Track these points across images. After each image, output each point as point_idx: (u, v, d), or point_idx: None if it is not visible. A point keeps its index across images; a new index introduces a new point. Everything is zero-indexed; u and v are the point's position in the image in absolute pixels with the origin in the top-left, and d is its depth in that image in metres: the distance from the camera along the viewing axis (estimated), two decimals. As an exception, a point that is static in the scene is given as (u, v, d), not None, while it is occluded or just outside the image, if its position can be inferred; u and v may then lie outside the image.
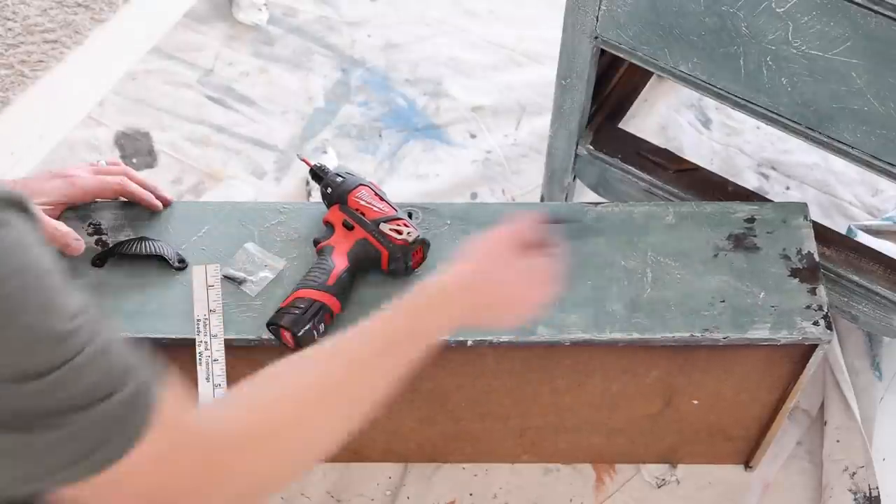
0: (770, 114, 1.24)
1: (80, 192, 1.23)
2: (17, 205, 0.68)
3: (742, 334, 1.16)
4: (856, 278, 1.37)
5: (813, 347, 1.18)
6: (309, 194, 1.69)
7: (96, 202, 1.26)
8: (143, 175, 1.30)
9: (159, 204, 1.26)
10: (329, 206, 1.23)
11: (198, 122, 1.80)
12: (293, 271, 1.21)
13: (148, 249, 1.21)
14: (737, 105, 1.26)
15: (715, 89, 1.26)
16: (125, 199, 1.26)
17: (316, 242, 1.21)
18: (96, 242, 1.23)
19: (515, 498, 1.42)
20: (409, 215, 1.22)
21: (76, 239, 1.19)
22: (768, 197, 1.58)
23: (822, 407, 1.48)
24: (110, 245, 1.22)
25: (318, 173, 1.25)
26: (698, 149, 1.75)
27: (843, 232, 1.50)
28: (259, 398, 0.81)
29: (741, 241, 1.24)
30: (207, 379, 1.12)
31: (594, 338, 1.17)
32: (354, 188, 1.21)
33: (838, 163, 1.71)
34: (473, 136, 1.80)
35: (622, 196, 1.51)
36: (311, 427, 0.82)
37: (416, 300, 0.94)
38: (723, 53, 1.21)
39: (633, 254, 1.23)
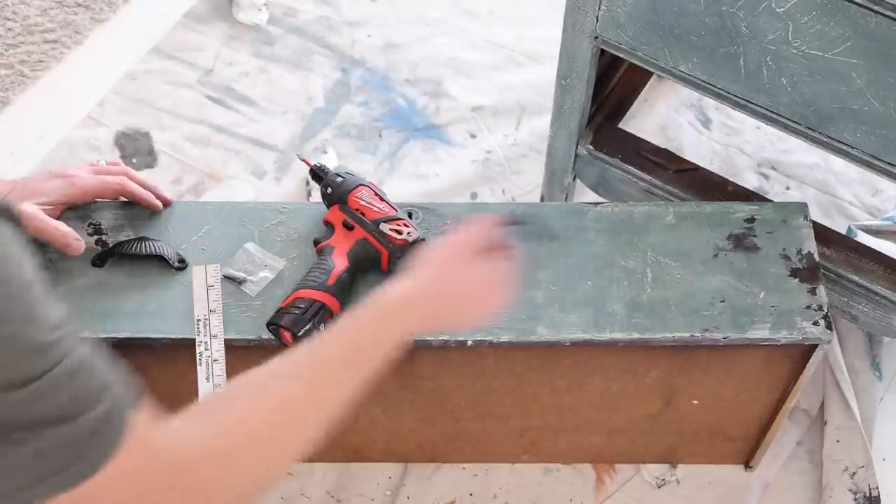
0: (770, 114, 1.24)
1: (80, 192, 1.23)
2: (2, 213, 0.68)
3: (742, 334, 1.16)
4: (856, 278, 1.37)
5: (813, 347, 1.18)
6: (309, 194, 1.69)
7: (96, 202, 1.26)
8: (143, 175, 1.30)
9: (159, 204, 1.26)
10: (329, 206, 1.23)
11: (198, 122, 1.80)
12: (293, 271, 1.21)
13: (148, 249, 1.21)
14: (737, 105, 1.26)
15: (715, 89, 1.26)
16: (125, 199, 1.26)
17: (316, 242, 1.21)
18: (96, 242, 1.23)
19: (515, 498, 1.42)
20: (409, 215, 1.22)
21: (76, 239, 1.19)
22: (768, 197, 1.58)
23: (822, 407, 1.48)
24: (110, 245, 1.22)
25: (318, 173, 1.25)
26: (698, 149, 1.75)
27: (843, 232, 1.50)
28: (224, 414, 0.82)
29: (741, 241, 1.24)
30: (207, 379, 1.12)
31: (594, 338, 1.17)
32: (354, 188, 1.21)
33: (838, 163, 1.71)
34: (473, 136, 1.80)
35: (622, 196, 1.51)
36: (274, 442, 0.83)
37: (374, 310, 0.95)
38: (723, 53, 1.21)
39: (633, 254, 1.23)
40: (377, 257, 1.18)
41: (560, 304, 1.18)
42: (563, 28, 1.32)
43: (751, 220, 1.26)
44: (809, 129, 1.22)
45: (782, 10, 1.12)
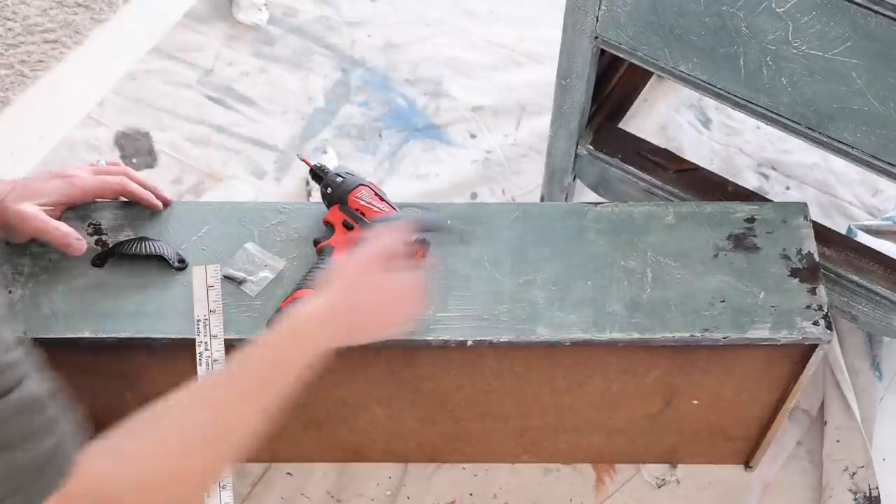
0: (770, 114, 1.24)
1: (80, 192, 1.23)
2: None
3: (742, 334, 1.16)
4: (856, 278, 1.37)
5: (813, 347, 1.18)
6: (309, 194, 1.69)
7: (96, 202, 1.26)
8: (143, 175, 1.30)
9: (159, 204, 1.26)
10: (329, 206, 1.23)
11: (198, 122, 1.80)
12: (293, 271, 1.21)
13: (148, 249, 1.21)
14: (737, 105, 1.26)
15: (715, 89, 1.26)
16: (125, 199, 1.26)
17: (316, 242, 1.21)
18: (96, 242, 1.23)
19: (515, 498, 1.42)
20: (409, 215, 1.22)
21: (78, 239, 1.19)
22: (768, 197, 1.58)
23: (822, 407, 1.48)
24: (110, 245, 1.22)
25: (318, 173, 1.25)
26: (698, 149, 1.75)
27: (843, 232, 1.50)
28: (145, 448, 0.85)
29: (741, 241, 1.24)
30: (207, 379, 1.12)
31: (594, 338, 1.17)
32: (354, 188, 1.21)
33: (838, 163, 1.71)
34: (473, 136, 1.80)
35: (622, 196, 1.51)
36: (193, 471, 0.87)
37: (286, 330, 0.97)
38: (723, 53, 1.21)
39: (633, 254, 1.23)
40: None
41: (560, 304, 1.18)
42: (563, 28, 1.32)
43: (751, 220, 1.26)
44: (809, 129, 1.22)
45: (782, 10, 1.12)
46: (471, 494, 1.42)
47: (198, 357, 1.14)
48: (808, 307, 1.18)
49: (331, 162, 1.72)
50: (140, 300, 1.18)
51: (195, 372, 1.13)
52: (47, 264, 1.20)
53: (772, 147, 1.76)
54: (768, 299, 1.19)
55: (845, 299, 1.40)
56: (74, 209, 1.24)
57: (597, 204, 1.28)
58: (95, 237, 1.23)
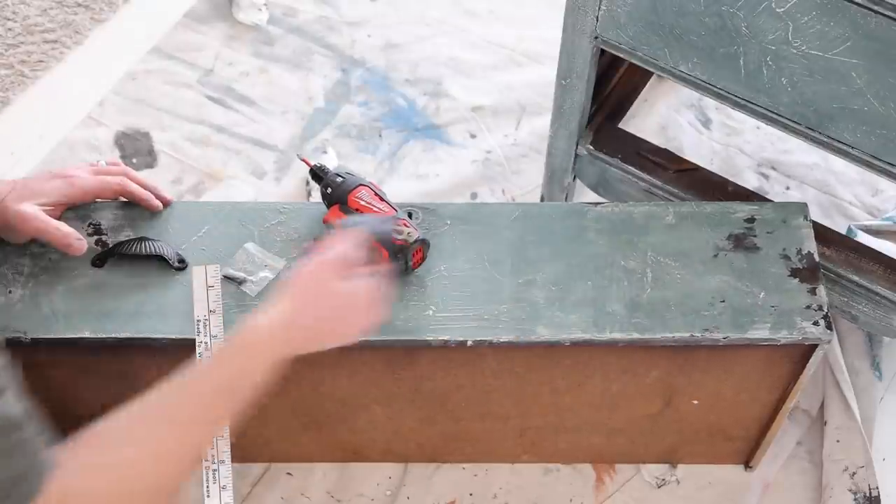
0: (770, 114, 1.24)
1: (79, 193, 1.23)
2: None
3: (742, 334, 1.16)
4: (856, 278, 1.37)
5: (813, 347, 1.18)
6: (309, 194, 1.69)
7: (96, 202, 1.26)
8: (143, 175, 1.30)
9: (159, 204, 1.26)
10: (329, 206, 1.23)
11: (198, 122, 1.80)
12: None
13: (148, 249, 1.21)
14: (737, 105, 1.26)
15: (715, 89, 1.26)
16: (125, 200, 1.26)
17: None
18: (96, 242, 1.23)
19: (515, 498, 1.42)
20: (409, 215, 1.22)
21: (78, 239, 1.19)
22: (768, 197, 1.58)
23: (822, 407, 1.48)
24: (110, 245, 1.22)
25: (318, 173, 1.25)
26: (698, 149, 1.75)
27: (843, 232, 1.50)
28: (107, 467, 0.88)
29: (741, 241, 1.24)
30: (207, 379, 1.12)
31: (594, 338, 1.17)
32: (354, 188, 1.21)
33: (838, 163, 1.71)
34: (473, 136, 1.80)
35: (622, 196, 1.51)
36: (154, 489, 0.90)
37: (242, 341, 0.99)
38: (723, 53, 1.21)
39: (633, 254, 1.23)
40: (377, 257, 1.18)
41: (560, 304, 1.18)
42: (563, 28, 1.32)
43: (751, 220, 1.26)
44: (809, 129, 1.22)
45: (782, 10, 1.12)
46: (471, 494, 1.42)
47: (198, 357, 1.14)
48: (808, 307, 1.18)
49: (331, 162, 1.72)
50: (140, 300, 1.18)
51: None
52: (47, 264, 1.20)
53: (772, 147, 1.76)
54: (768, 299, 1.19)
55: (845, 299, 1.40)
56: (74, 209, 1.24)
57: (597, 204, 1.28)
58: (95, 237, 1.23)
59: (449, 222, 1.25)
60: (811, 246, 1.23)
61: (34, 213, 1.17)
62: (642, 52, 1.27)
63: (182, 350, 1.14)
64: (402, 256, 1.17)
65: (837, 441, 1.42)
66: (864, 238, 1.48)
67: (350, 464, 1.43)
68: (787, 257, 1.22)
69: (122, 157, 1.75)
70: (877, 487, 1.39)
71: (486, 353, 1.20)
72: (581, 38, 1.31)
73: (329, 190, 1.22)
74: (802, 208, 1.27)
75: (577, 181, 1.57)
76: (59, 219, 1.21)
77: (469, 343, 1.16)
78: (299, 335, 1.02)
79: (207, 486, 1.10)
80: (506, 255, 1.23)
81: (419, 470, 1.43)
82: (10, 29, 1.88)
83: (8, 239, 1.21)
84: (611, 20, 1.26)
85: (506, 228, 1.25)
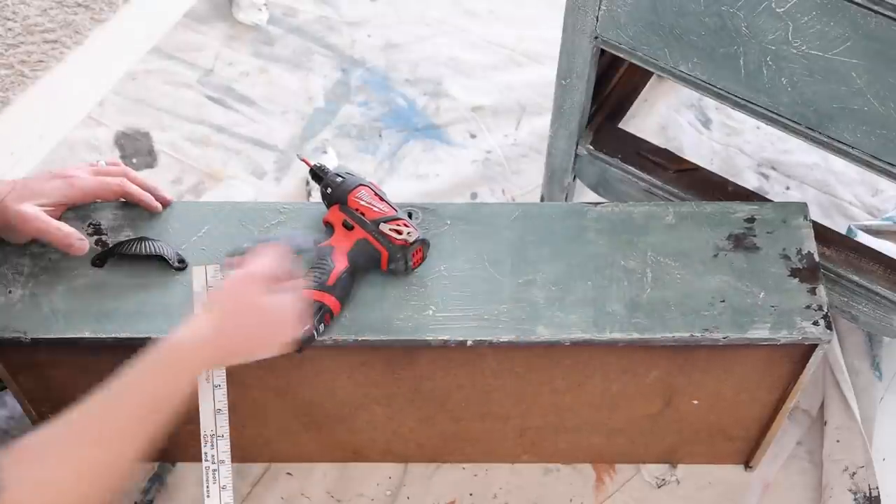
0: (770, 114, 1.24)
1: (79, 193, 1.23)
2: None
3: (742, 334, 1.16)
4: (856, 278, 1.37)
5: (813, 347, 1.18)
6: (309, 194, 1.69)
7: (96, 202, 1.26)
8: (143, 175, 1.30)
9: (158, 206, 1.26)
10: (329, 206, 1.23)
11: (198, 122, 1.80)
12: (293, 271, 1.21)
13: (148, 249, 1.21)
14: (737, 105, 1.26)
15: (715, 89, 1.26)
16: (125, 200, 1.26)
17: (316, 242, 1.21)
18: (96, 242, 1.23)
19: (515, 498, 1.42)
20: (409, 215, 1.22)
21: (80, 239, 1.19)
22: (768, 197, 1.58)
23: (822, 407, 1.48)
24: (110, 245, 1.22)
25: (318, 173, 1.25)
26: (698, 149, 1.75)
27: (843, 232, 1.50)
28: (38, 480, 0.90)
29: (741, 241, 1.24)
30: (207, 380, 1.12)
31: (594, 338, 1.17)
32: (354, 188, 1.21)
33: (838, 163, 1.71)
34: (473, 136, 1.80)
35: (622, 196, 1.51)
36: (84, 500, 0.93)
37: (166, 356, 1.01)
38: (723, 53, 1.21)
39: (633, 254, 1.23)
40: (377, 257, 1.18)
41: (560, 304, 1.18)
42: (563, 28, 1.32)
43: (751, 220, 1.26)
44: (809, 129, 1.22)
45: (782, 10, 1.12)
46: (471, 494, 1.42)
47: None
48: (808, 307, 1.18)
49: (331, 162, 1.73)
50: (140, 300, 1.18)
51: (195, 372, 1.14)
52: (47, 264, 1.20)
53: (772, 147, 1.76)
54: (768, 299, 1.19)
55: (845, 299, 1.40)
56: (74, 209, 1.24)
57: (597, 204, 1.28)
58: (95, 237, 1.23)
59: (449, 222, 1.25)
60: (811, 246, 1.23)
61: (35, 214, 1.17)
62: (642, 52, 1.27)
63: (182, 350, 1.14)
64: (402, 256, 1.17)
65: (837, 441, 1.42)
66: (864, 238, 1.48)
67: (350, 464, 1.43)
68: (787, 257, 1.22)
69: (122, 157, 1.75)
70: (877, 487, 1.39)
71: (486, 353, 1.20)
72: (581, 38, 1.31)
73: (329, 190, 1.22)
74: (802, 208, 1.27)
75: (577, 181, 1.57)
76: (59, 219, 1.21)
77: (469, 343, 1.16)
78: (224, 347, 1.04)
79: (207, 486, 1.10)
80: (506, 255, 1.23)
81: (419, 470, 1.43)
82: (10, 29, 1.88)
83: (8, 239, 1.21)
84: (611, 20, 1.26)
85: (506, 228, 1.25)
